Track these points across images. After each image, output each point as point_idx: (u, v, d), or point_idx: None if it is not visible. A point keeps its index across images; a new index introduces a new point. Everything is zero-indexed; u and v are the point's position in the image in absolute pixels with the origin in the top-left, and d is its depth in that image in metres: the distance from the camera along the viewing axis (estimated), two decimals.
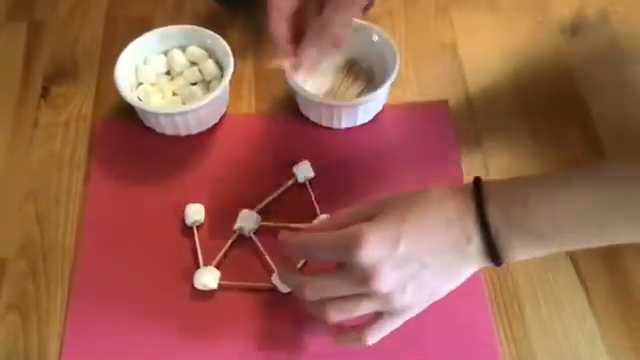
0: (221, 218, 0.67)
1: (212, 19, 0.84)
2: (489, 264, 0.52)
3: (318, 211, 0.67)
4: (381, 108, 0.74)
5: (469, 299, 0.62)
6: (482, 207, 0.50)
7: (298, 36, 0.62)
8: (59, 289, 0.64)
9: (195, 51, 0.75)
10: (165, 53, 0.76)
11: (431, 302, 0.54)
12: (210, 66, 0.74)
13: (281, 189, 0.69)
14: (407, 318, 0.54)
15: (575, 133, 0.73)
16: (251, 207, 0.67)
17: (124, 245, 0.66)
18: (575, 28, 0.82)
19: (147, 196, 0.69)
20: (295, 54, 0.62)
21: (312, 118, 0.74)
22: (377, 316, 0.54)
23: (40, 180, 0.71)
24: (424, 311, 0.60)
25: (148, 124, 0.73)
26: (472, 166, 0.71)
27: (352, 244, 0.49)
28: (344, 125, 0.73)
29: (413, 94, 0.77)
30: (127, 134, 0.74)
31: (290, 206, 0.68)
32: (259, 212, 0.67)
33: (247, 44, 0.82)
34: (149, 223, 0.67)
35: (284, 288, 0.62)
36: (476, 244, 0.50)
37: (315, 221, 0.66)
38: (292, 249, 0.55)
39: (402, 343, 0.60)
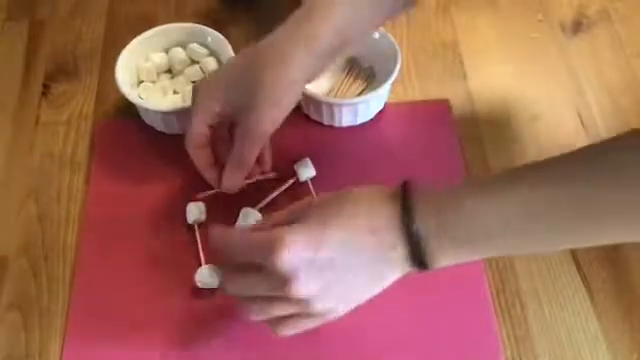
0: (223, 216, 0.66)
1: (213, 17, 0.84)
2: (415, 269, 0.51)
3: None
4: (382, 107, 0.74)
5: (471, 299, 0.62)
6: (409, 215, 0.49)
7: (216, 159, 0.64)
8: (60, 288, 0.64)
9: (196, 49, 0.75)
10: (166, 51, 0.76)
11: (353, 307, 0.53)
12: (211, 64, 0.74)
13: (282, 187, 0.69)
14: (326, 320, 0.53)
15: (577, 130, 0.73)
16: (252, 205, 0.67)
17: (125, 244, 0.66)
18: (576, 26, 0.82)
19: (148, 194, 0.69)
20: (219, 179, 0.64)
21: (313, 116, 0.74)
22: (294, 315, 0.53)
23: (41, 179, 0.71)
24: (426, 311, 0.60)
25: (149, 122, 0.73)
26: (473, 164, 0.71)
27: (271, 248, 0.48)
28: (345, 123, 0.73)
29: (414, 93, 0.77)
30: (128, 132, 0.74)
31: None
32: (260, 210, 0.67)
33: (248, 42, 0.81)
34: (150, 221, 0.67)
35: None
36: (400, 251, 0.49)
37: None
38: (219, 248, 0.54)
39: (404, 342, 0.60)
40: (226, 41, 0.74)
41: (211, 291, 0.63)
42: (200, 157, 0.63)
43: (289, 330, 0.54)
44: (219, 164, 0.64)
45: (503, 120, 0.75)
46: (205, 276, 0.62)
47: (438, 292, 0.62)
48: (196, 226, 0.66)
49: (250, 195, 0.67)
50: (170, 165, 0.71)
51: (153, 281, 0.64)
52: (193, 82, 0.74)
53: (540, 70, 0.79)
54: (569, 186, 0.47)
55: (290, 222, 0.51)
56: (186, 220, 0.67)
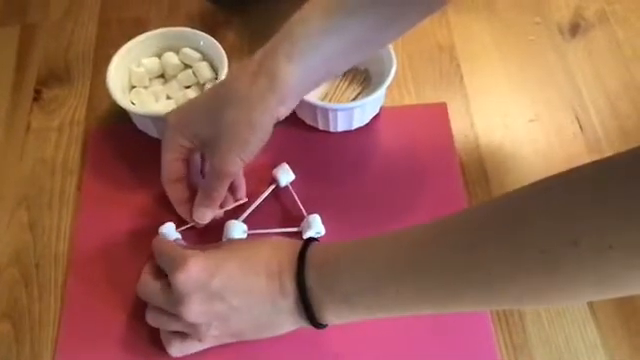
0: (206, 229, 0.65)
1: (206, 21, 0.83)
2: (307, 324, 0.53)
3: (304, 212, 0.66)
4: (378, 111, 0.74)
5: None
6: (301, 266, 0.52)
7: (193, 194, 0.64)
8: (52, 297, 0.63)
9: (189, 53, 0.74)
10: (158, 56, 0.75)
11: (242, 340, 0.56)
12: (204, 69, 0.73)
13: (263, 196, 0.67)
14: (214, 345, 0.57)
15: (575, 133, 0.73)
16: (236, 217, 0.66)
17: (118, 251, 0.65)
18: (574, 29, 0.82)
19: (141, 200, 0.68)
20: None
21: (308, 121, 0.73)
22: (185, 335, 0.57)
23: (33, 186, 0.70)
24: (423, 322, 0.60)
25: (141, 128, 0.72)
26: (470, 169, 0.70)
27: (175, 266, 0.53)
28: (340, 128, 0.72)
29: (410, 97, 0.76)
30: (120, 138, 0.73)
31: (276, 211, 0.68)
32: (244, 221, 0.66)
33: (242, 46, 0.81)
34: (143, 228, 0.66)
35: None
36: (290, 300, 0.52)
37: (303, 223, 0.65)
38: (154, 246, 0.59)
39: (401, 349, 0.59)
40: (219, 45, 0.72)
41: None
42: (173, 191, 0.64)
43: (177, 348, 0.57)
44: (194, 197, 0.63)
45: (500, 123, 0.74)
46: None
47: None
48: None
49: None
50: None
51: None
52: (186, 87, 0.74)
53: (537, 73, 0.78)
54: (431, 253, 0.47)
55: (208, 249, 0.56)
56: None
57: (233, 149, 0.57)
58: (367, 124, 0.73)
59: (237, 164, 0.58)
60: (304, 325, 0.53)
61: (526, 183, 0.47)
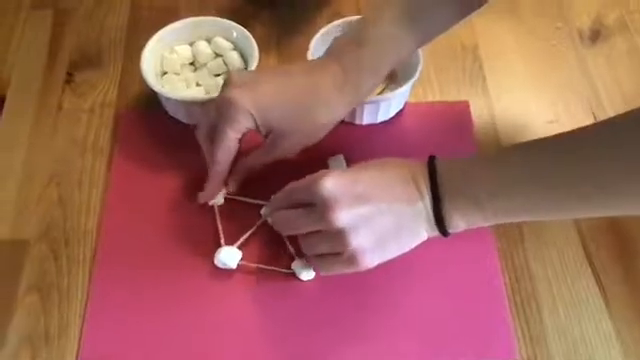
0: (242, 206, 0.68)
1: (236, 12, 0.84)
2: (435, 230, 0.56)
3: None
4: (402, 106, 0.75)
5: (487, 297, 0.63)
6: (433, 171, 0.55)
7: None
8: (80, 271, 0.65)
9: (220, 42, 0.76)
10: (190, 44, 0.77)
11: (383, 257, 0.57)
12: (235, 58, 0.75)
13: None
14: (358, 266, 0.57)
15: None
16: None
17: (145, 230, 0.67)
18: (594, 35, 0.83)
19: (169, 181, 0.70)
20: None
21: None
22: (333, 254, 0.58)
23: (63, 164, 0.72)
24: (442, 309, 0.61)
25: (171, 113, 0.74)
26: None
27: (315, 180, 0.56)
28: (365, 122, 0.74)
29: (434, 94, 0.78)
30: (150, 122, 0.75)
31: None
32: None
33: (270, 38, 0.82)
34: (169, 208, 0.68)
35: (303, 276, 0.63)
36: (427, 202, 0.55)
37: None
38: (277, 199, 0.61)
39: (420, 335, 0.61)
40: (251, 36, 0.74)
41: (228, 273, 0.64)
42: (223, 169, 0.65)
43: (327, 268, 0.59)
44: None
45: (520, 123, 0.75)
46: (225, 257, 0.63)
47: (453, 289, 0.63)
48: (216, 207, 0.67)
49: (267, 189, 0.68)
50: (190, 154, 0.70)
51: (172, 265, 0.65)
52: (216, 75, 0.75)
53: (558, 76, 0.80)
54: (572, 151, 0.51)
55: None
56: (205, 205, 0.67)
57: (303, 142, 0.65)
58: (391, 118, 0.75)
59: (295, 153, 0.65)
60: (435, 232, 0.56)
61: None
